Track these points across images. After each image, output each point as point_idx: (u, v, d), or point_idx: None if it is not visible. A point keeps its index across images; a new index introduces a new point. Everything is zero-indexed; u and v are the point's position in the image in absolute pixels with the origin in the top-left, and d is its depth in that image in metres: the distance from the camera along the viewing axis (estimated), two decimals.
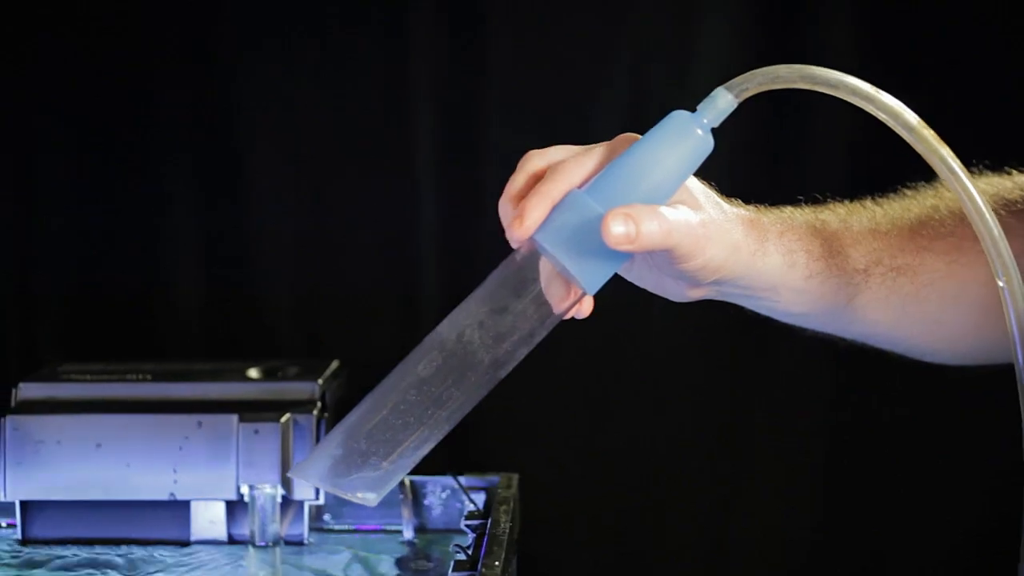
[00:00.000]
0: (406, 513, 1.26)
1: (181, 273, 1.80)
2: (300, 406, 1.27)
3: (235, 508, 1.25)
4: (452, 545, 1.18)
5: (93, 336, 1.80)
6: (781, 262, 0.92)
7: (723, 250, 0.89)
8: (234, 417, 1.24)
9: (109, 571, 1.18)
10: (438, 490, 1.27)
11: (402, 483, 1.25)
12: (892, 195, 1.01)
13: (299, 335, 1.81)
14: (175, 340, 1.81)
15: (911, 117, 0.86)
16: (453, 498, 1.26)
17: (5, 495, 1.24)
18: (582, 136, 0.94)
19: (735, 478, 1.80)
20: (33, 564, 1.20)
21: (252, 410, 1.25)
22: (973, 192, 0.86)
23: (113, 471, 1.24)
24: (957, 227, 0.98)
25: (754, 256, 0.91)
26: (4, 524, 1.28)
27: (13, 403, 1.28)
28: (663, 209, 0.85)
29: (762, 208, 0.95)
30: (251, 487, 1.24)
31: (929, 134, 0.86)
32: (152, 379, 1.31)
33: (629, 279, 0.92)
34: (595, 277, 0.85)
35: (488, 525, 1.11)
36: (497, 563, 0.99)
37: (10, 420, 1.24)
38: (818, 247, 0.94)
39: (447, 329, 0.86)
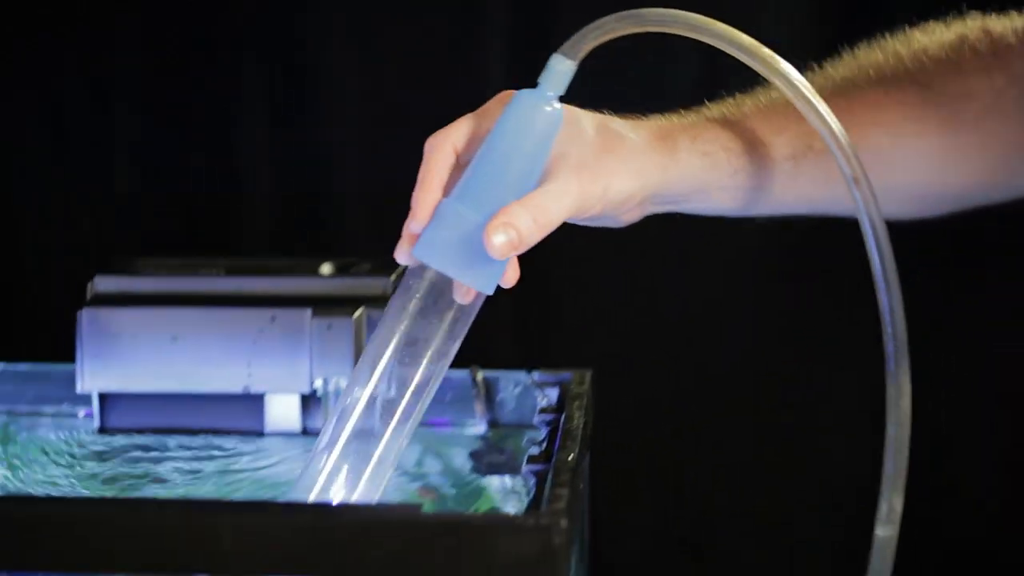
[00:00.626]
0: (479, 408, 1.26)
1: (255, 175, 1.80)
2: (373, 301, 1.27)
3: (309, 401, 1.25)
4: (525, 439, 1.18)
5: (168, 236, 1.81)
6: (700, 165, 0.92)
7: (627, 180, 0.89)
8: (307, 312, 1.25)
9: (186, 460, 1.19)
10: (511, 386, 1.27)
11: (475, 379, 1.25)
12: (838, 61, 1.00)
13: (370, 236, 1.82)
14: (248, 240, 1.82)
15: (746, 40, 0.87)
16: (526, 394, 1.26)
17: (83, 386, 1.25)
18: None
19: (802, 380, 1.79)
20: (111, 453, 1.21)
21: (325, 305, 1.25)
22: (818, 105, 0.88)
23: (188, 364, 1.24)
24: (905, 96, 0.96)
25: (666, 170, 0.90)
26: (82, 414, 1.29)
27: (89, 296, 1.28)
28: (538, 198, 0.86)
29: (678, 114, 0.94)
30: (324, 381, 1.24)
31: (767, 54, 0.87)
32: (226, 273, 1.31)
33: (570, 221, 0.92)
34: (489, 279, 0.87)
35: (562, 420, 1.11)
36: (571, 457, 0.98)
37: (86, 313, 1.25)
38: (738, 142, 0.93)
39: (366, 376, 0.90)
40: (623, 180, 0.88)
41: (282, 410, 1.25)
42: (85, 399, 1.28)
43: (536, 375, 1.26)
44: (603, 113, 0.92)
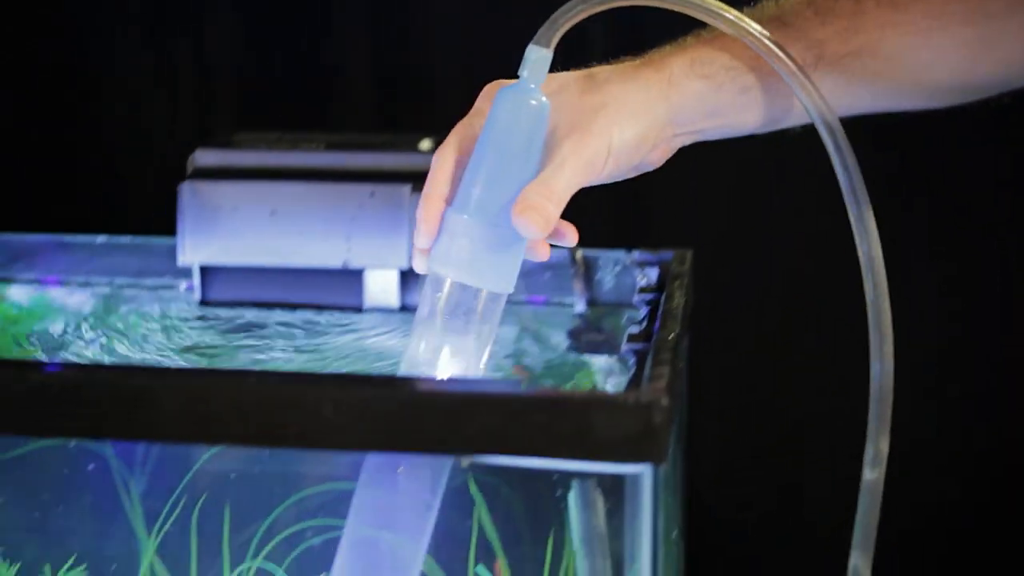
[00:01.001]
0: (578, 286, 1.25)
1: (351, 51, 1.79)
2: None
3: (408, 277, 1.25)
4: (624, 318, 1.17)
5: (266, 113, 1.81)
6: (702, 88, 0.90)
7: (628, 127, 0.88)
8: (407, 187, 1.24)
9: (285, 333, 1.20)
10: (610, 264, 1.25)
11: (574, 257, 1.24)
12: None
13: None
14: (347, 117, 1.81)
15: (712, 4, 0.88)
16: (625, 273, 1.25)
17: (184, 259, 1.25)
18: None
19: (911, 262, 1.77)
20: (211, 325, 1.22)
21: (424, 181, 1.24)
22: (794, 68, 0.88)
23: (288, 238, 1.25)
24: None
25: (667, 101, 0.89)
26: (184, 287, 1.30)
27: (190, 170, 1.29)
28: (543, 176, 0.86)
29: (674, 42, 0.93)
30: None
31: (733, 16, 0.88)
32: (326, 148, 1.31)
33: (602, 182, 0.91)
34: (506, 280, 0.88)
35: (662, 299, 1.09)
36: (672, 336, 0.97)
37: (187, 186, 1.26)
38: (740, 60, 0.91)
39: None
40: (624, 128, 0.88)
41: (381, 285, 1.25)
42: (186, 272, 1.28)
43: (636, 254, 1.24)
44: (590, 67, 0.92)
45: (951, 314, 1.77)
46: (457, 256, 0.87)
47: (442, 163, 0.90)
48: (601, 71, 0.91)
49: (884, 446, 0.90)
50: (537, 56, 0.87)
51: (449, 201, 0.89)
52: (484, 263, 0.87)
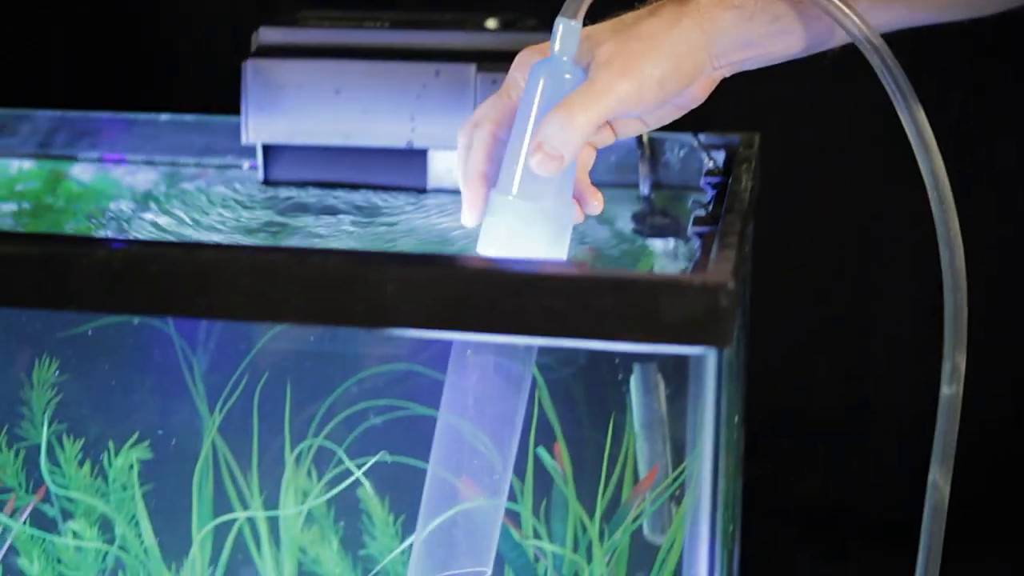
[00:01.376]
0: (644, 169, 1.24)
1: None
2: None
3: None
4: (690, 202, 1.16)
5: None
6: (733, 18, 0.88)
7: (663, 60, 0.87)
8: (472, 67, 1.23)
9: (348, 212, 1.20)
10: (676, 147, 1.24)
11: (640, 139, 1.23)
12: None
13: None
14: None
15: None
16: (691, 156, 1.24)
17: (247, 138, 1.25)
18: None
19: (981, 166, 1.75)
20: (275, 204, 1.22)
21: (490, 60, 1.23)
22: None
23: (352, 117, 1.24)
24: None
25: (702, 33, 0.88)
26: (247, 166, 1.30)
27: (253, 48, 1.27)
28: (568, 98, 0.85)
29: None
30: None
31: None
32: (391, 27, 1.29)
33: (650, 128, 0.91)
34: (557, 256, 0.88)
35: (729, 183, 1.08)
36: (738, 219, 0.96)
37: (251, 64, 1.24)
38: None
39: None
40: (657, 61, 0.87)
41: (445, 166, 1.24)
42: (249, 151, 1.28)
43: (702, 137, 1.23)
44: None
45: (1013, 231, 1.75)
46: (506, 236, 0.87)
47: (478, 140, 0.90)
48: (629, 15, 0.90)
49: (961, 361, 0.90)
50: (566, 28, 0.87)
51: (489, 177, 0.89)
52: (533, 241, 0.87)
